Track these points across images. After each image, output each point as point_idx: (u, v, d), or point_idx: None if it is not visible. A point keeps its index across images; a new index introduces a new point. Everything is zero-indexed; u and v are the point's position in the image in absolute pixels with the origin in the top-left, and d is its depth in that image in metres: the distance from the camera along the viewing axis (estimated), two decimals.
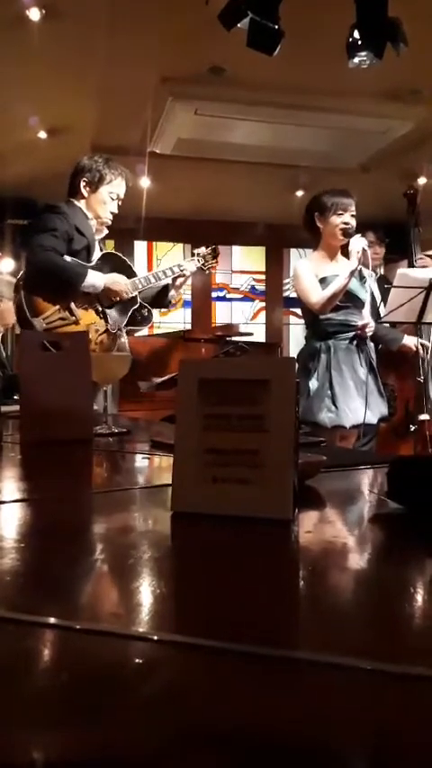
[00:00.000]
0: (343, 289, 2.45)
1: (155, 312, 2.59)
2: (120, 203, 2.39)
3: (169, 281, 2.51)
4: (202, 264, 2.61)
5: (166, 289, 2.53)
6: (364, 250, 2.41)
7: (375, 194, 4.09)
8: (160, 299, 2.54)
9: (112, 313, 2.36)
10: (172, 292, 2.54)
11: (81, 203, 2.34)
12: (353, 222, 2.51)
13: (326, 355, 2.51)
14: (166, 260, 6.24)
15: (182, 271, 2.50)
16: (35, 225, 2.31)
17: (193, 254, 2.64)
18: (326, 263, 2.59)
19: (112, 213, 2.37)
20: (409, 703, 0.27)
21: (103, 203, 2.34)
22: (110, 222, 2.39)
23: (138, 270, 2.53)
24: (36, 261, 2.20)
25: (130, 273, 2.43)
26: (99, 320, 2.32)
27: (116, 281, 2.32)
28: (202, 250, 2.62)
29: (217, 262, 2.67)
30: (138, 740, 0.24)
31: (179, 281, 2.53)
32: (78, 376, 1.16)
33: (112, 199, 2.36)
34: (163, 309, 2.88)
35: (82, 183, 2.33)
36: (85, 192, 2.33)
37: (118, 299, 2.33)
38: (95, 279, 2.26)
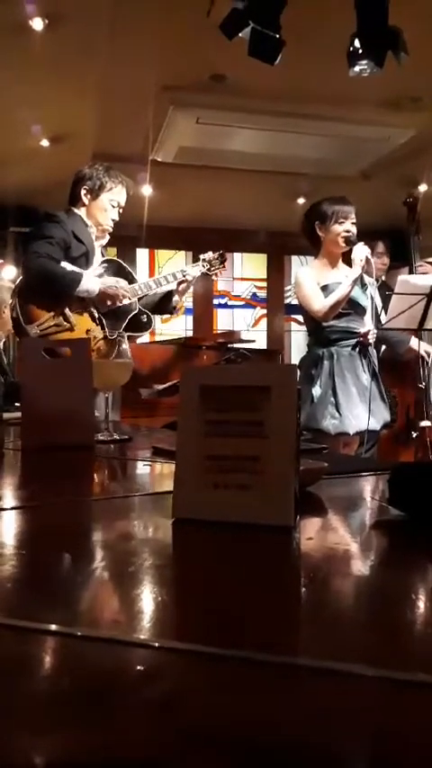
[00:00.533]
0: (346, 296, 2.45)
1: (156, 319, 2.59)
2: (120, 211, 2.41)
3: (173, 286, 2.51)
4: (208, 269, 2.61)
5: (169, 294, 2.53)
6: (367, 258, 2.42)
7: (376, 202, 4.10)
8: (164, 304, 2.55)
9: (108, 319, 2.36)
10: (176, 298, 2.54)
11: (81, 211, 2.36)
12: (354, 230, 2.52)
13: (329, 362, 2.52)
14: (167, 267, 6.26)
15: (185, 276, 2.50)
16: (32, 234, 2.33)
17: (198, 259, 2.64)
18: (327, 270, 2.59)
19: (113, 220, 2.39)
20: (410, 710, 0.27)
21: (103, 210, 2.36)
22: (111, 229, 2.41)
23: (139, 277, 2.54)
24: (30, 267, 2.21)
25: (130, 280, 2.43)
26: (95, 326, 2.32)
27: (111, 285, 2.32)
28: (209, 255, 2.62)
29: (224, 267, 2.68)
30: (138, 746, 0.24)
31: (182, 286, 2.53)
32: (80, 383, 1.16)
33: (113, 206, 2.37)
34: (166, 316, 2.88)
35: (83, 191, 2.35)
36: (85, 199, 2.35)
37: (112, 303, 2.33)
38: (90, 283, 2.27)
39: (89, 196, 2.35)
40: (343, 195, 2.60)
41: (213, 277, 2.71)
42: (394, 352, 2.98)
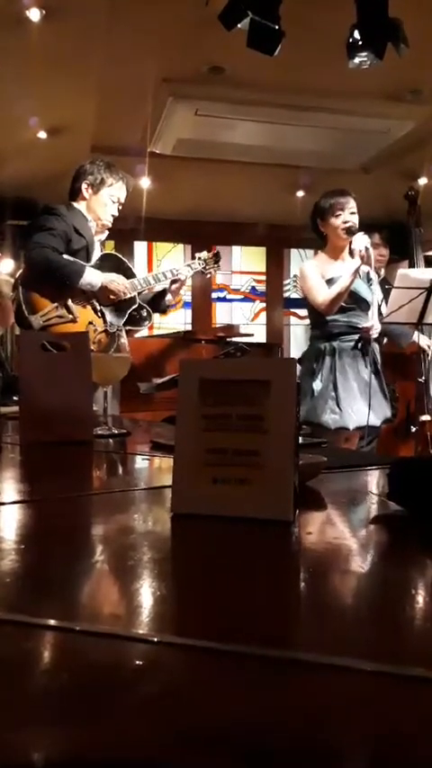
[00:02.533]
0: (347, 288, 2.45)
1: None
2: (120, 207, 2.42)
3: (167, 284, 2.53)
4: (203, 268, 2.63)
5: (162, 293, 2.55)
6: (366, 248, 2.41)
7: (376, 195, 4.09)
8: (156, 303, 2.56)
9: (109, 312, 2.37)
10: (168, 297, 2.55)
11: (81, 205, 2.37)
12: (354, 219, 2.51)
13: (330, 357, 2.52)
14: (166, 261, 6.25)
15: (177, 275, 2.51)
16: (33, 226, 2.34)
17: (194, 257, 2.66)
18: (331, 263, 2.59)
19: (112, 216, 2.40)
20: (409, 705, 0.27)
21: (103, 205, 2.37)
22: (110, 224, 2.42)
23: (137, 270, 2.55)
24: (33, 257, 2.22)
25: (129, 274, 2.44)
26: (97, 319, 2.33)
27: (113, 279, 2.34)
28: (204, 254, 2.65)
29: (218, 266, 2.70)
30: (137, 741, 0.24)
31: (174, 286, 2.54)
32: (78, 377, 1.16)
33: (113, 202, 2.39)
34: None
35: (83, 186, 2.36)
36: (86, 194, 2.36)
37: (115, 298, 2.35)
38: (93, 277, 2.28)
39: (90, 191, 2.36)
40: (342, 188, 2.59)
41: (208, 276, 2.73)
42: (396, 345, 2.97)
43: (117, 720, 0.25)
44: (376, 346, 2.60)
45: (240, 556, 0.48)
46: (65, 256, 2.24)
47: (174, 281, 2.51)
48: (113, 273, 2.38)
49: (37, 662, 0.31)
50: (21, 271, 2.37)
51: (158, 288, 2.53)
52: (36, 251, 2.20)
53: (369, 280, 2.58)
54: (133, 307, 2.43)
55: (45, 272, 2.21)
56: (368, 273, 2.55)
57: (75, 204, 2.38)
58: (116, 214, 2.42)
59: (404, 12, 2.21)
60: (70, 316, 2.27)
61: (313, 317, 2.65)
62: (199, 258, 2.64)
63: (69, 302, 2.28)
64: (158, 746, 0.23)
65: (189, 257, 6.42)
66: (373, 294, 2.56)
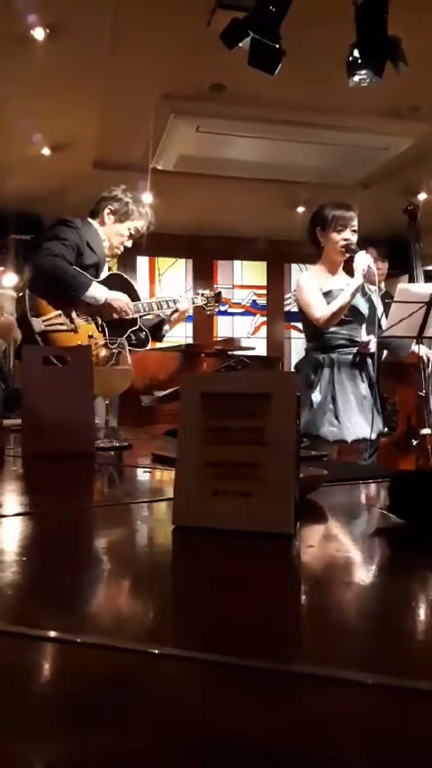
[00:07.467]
0: (347, 305, 2.45)
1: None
2: (132, 241, 2.48)
3: (167, 312, 2.58)
4: (204, 305, 2.72)
5: (161, 322, 2.61)
6: (369, 267, 2.42)
7: (376, 210, 4.12)
8: (155, 331, 2.61)
9: (110, 329, 2.39)
10: (166, 327, 2.63)
11: (97, 225, 2.42)
12: (353, 238, 2.51)
13: (329, 369, 2.51)
14: (167, 275, 6.28)
15: (176, 306, 2.59)
16: (46, 234, 2.38)
17: (197, 294, 2.75)
18: (328, 276, 2.60)
19: (124, 246, 2.46)
20: (409, 717, 0.27)
21: (119, 235, 2.44)
22: (119, 252, 2.49)
23: (140, 285, 2.59)
24: (42, 263, 2.26)
25: (134, 296, 2.48)
26: (98, 333, 2.35)
27: (118, 298, 2.38)
28: (207, 292, 2.75)
29: (219, 305, 2.81)
30: (137, 753, 0.24)
31: (175, 316, 2.63)
32: (80, 390, 1.16)
33: (131, 234, 2.45)
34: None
35: (107, 210, 2.41)
36: (107, 219, 2.43)
37: (117, 316, 2.38)
38: (98, 292, 2.31)
39: (112, 217, 2.42)
40: (347, 202, 2.58)
41: (209, 313, 2.83)
42: (396, 356, 2.97)
43: (117, 733, 0.25)
44: (370, 361, 2.61)
45: (241, 569, 0.48)
46: (74, 268, 2.27)
47: (174, 312, 2.58)
48: (119, 292, 2.42)
49: (38, 674, 0.31)
50: (28, 275, 2.43)
51: (160, 314, 2.60)
52: (46, 258, 2.24)
53: (365, 293, 2.58)
54: (134, 328, 2.47)
55: (52, 279, 2.24)
56: (363, 286, 2.55)
57: (91, 220, 2.42)
58: (129, 245, 2.49)
59: (403, 30, 2.25)
60: (72, 325, 2.30)
61: (310, 328, 2.65)
62: (202, 295, 2.74)
63: (73, 313, 2.31)
64: (159, 759, 0.23)
65: (191, 272, 6.46)
66: (368, 307, 2.56)
